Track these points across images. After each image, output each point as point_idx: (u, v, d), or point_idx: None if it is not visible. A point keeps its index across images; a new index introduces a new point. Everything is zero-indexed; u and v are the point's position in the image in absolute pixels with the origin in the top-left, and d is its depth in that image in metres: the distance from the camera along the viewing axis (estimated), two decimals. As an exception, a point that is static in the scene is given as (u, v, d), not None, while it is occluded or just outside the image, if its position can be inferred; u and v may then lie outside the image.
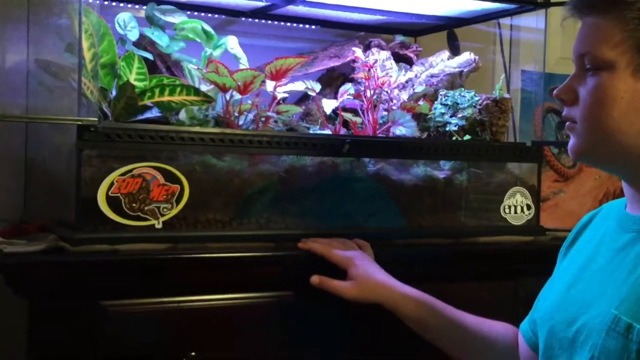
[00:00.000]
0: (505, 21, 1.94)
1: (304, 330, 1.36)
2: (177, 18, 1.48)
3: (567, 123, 0.98)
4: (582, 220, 1.14)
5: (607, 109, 0.91)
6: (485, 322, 1.29)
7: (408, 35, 1.87)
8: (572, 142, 0.97)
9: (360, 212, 1.45)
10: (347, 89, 1.57)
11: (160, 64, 1.48)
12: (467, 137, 1.57)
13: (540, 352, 1.04)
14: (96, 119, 1.22)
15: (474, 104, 1.57)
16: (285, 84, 1.48)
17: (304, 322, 1.36)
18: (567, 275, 1.06)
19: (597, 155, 0.97)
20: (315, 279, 1.28)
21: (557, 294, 1.05)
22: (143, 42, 1.47)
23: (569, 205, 2.27)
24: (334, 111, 1.56)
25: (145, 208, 1.24)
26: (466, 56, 1.71)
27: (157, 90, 1.30)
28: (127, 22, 1.43)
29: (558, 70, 2.18)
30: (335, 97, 1.59)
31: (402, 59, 1.79)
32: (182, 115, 1.39)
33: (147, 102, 1.31)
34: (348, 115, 1.56)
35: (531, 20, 1.80)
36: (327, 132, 1.54)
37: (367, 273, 1.29)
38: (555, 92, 0.99)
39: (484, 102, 1.57)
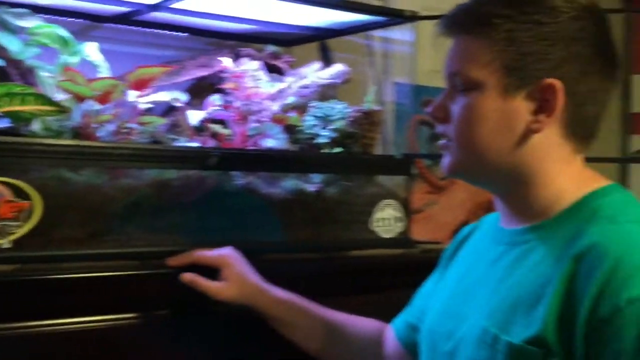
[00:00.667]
0: (378, 33, 1.96)
1: (171, 351, 1.31)
2: (31, 22, 1.40)
3: (441, 140, 0.99)
4: (464, 231, 1.17)
5: (476, 128, 0.92)
6: (356, 319, 1.31)
7: (280, 45, 1.86)
8: (445, 159, 0.99)
9: (229, 226, 1.42)
10: (215, 99, 1.53)
11: (13, 71, 1.40)
12: (338, 149, 1.57)
13: None
14: None
15: (344, 116, 1.57)
16: (149, 94, 1.43)
17: (170, 344, 1.31)
18: (448, 288, 1.09)
19: (469, 172, 0.99)
20: (186, 276, 1.24)
21: (439, 307, 1.07)
22: (-6, 47, 1.38)
23: (441, 217, 2.32)
24: (202, 123, 1.53)
25: (-9, 226, 1.16)
26: (338, 67, 1.72)
27: (6, 100, 1.22)
28: (-25, 26, 1.34)
29: (430, 83, 2.24)
30: (204, 109, 1.56)
31: (274, 70, 1.77)
32: (36, 126, 1.31)
33: (-5, 111, 1.23)
34: (216, 127, 1.52)
35: (402, 33, 1.83)
36: (195, 144, 1.50)
37: (241, 273, 1.27)
38: (428, 109, 1.00)
39: (355, 114, 1.58)
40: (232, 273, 1.26)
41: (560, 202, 0.92)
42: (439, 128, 0.99)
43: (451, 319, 1.00)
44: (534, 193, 0.94)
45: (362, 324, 1.31)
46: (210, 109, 1.51)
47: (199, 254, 1.28)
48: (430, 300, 1.16)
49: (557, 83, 0.89)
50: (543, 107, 0.90)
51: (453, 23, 0.97)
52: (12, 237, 1.17)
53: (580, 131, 0.93)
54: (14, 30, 1.40)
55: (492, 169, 0.94)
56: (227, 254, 1.29)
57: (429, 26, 1.69)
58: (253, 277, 1.28)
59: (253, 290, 1.27)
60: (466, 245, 1.11)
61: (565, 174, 0.93)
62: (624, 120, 3.04)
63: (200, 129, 1.54)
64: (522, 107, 0.91)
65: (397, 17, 1.64)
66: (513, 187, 0.96)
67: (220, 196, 1.43)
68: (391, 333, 1.26)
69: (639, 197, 0.96)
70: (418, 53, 1.81)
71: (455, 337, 0.97)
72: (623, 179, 2.84)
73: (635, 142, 3.08)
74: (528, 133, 0.91)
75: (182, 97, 1.48)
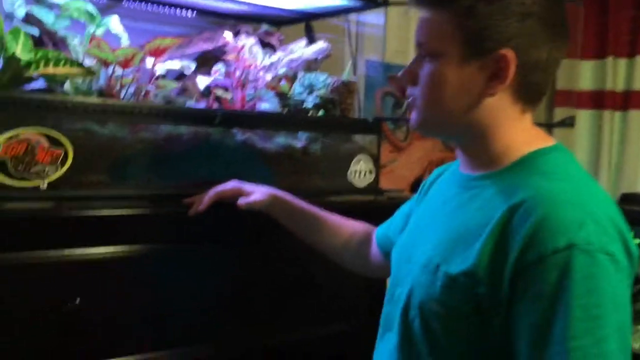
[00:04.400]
0: (353, 17, 1.92)
1: (183, 278, 1.30)
2: (62, -2, 1.35)
3: (409, 100, 0.97)
4: (437, 170, 1.14)
5: (438, 92, 0.90)
6: (350, 221, 1.34)
7: (272, 25, 1.82)
8: (412, 116, 0.96)
9: (230, 175, 1.40)
10: (219, 68, 1.49)
11: (47, 40, 1.35)
12: (321, 112, 1.54)
13: (391, 277, 1.04)
14: (-18, 88, 1.09)
15: (327, 85, 1.54)
16: (164, 62, 1.39)
17: (182, 271, 1.30)
18: (414, 220, 1.07)
19: (431, 127, 0.97)
20: (241, 202, 1.28)
21: (405, 234, 1.06)
22: (30, 20, 1.32)
23: (401, 171, 2.32)
24: (208, 88, 1.49)
25: (31, 170, 1.12)
26: (320, 45, 1.68)
27: (42, 63, 1.18)
28: (15, 0, 1.29)
29: (396, 61, 2.21)
30: (209, 76, 1.52)
31: (267, 45, 1.73)
32: (67, 86, 1.27)
33: (33, 73, 1.18)
34: (220, 92, 1.49)
35: (373, 17, 1.80)
36: (202, 106, 1.46)
37: (257, 187, 1.32)
38: (399, 73, 0.98)
39: (335, 84, 1.55)
40: (252, 188, 1.30)
41: (508, 155, 0.91)
42: (408, 90, 0.96)
43: (411, 246, 0.99)
44: (486, 146, 0.92)
45: (355, 224, 1.34)
46: (215, 76, 1.47)
47: (218, 193, 1.28)
48: (397, 221, 1.18)
49: (510, 54, 0.86)
50: (496, 74, 0.87)
51: None
52: (49, 180, 1.14)
53: (529, 95, 0.91)
54: (49, 5, 1.34)
55: (451, 125, 0.93)
56: (234, 182, 1.32)
57: (396, 12, 1.68)
58: (267, 188, 1.32)
59: (268, 195, 1.30)
60: (435, 183, 1.10)
61: (514, 131, 0.91)
62: (550, 95, 3.05)
63: (206, 93, 1.51)
64: (478, 75, 0.88)
65: (371, 2, 1.60)
66: (469, 140, 0.94)
67: (222, 150, 1.40)
68: (374, 240, 1.27)
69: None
70: (387, 35, 1.78)
71: (412, 262, 0.95)
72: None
73: (557, 113, 3.09)
74: (482, 97, 0.89)
75: (191, 65, 1.44)
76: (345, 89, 1.56)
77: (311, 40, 1.80)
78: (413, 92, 0.94)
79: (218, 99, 1.50)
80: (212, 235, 1.34)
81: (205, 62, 1.64)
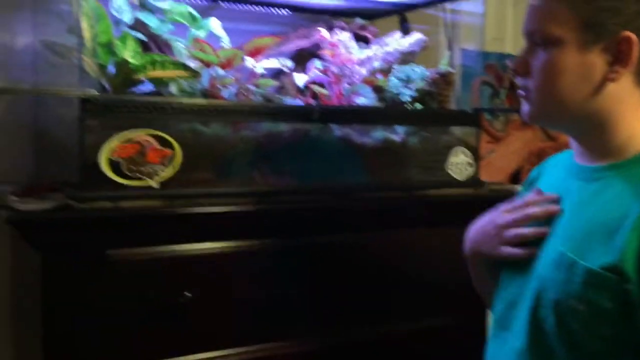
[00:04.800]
0: (448, 5, 1.87)
1: (289, 272, 1.32)
2: (166, 3, 1.39)
3: (520, 91, 0.93)
4: (541, 164, 1.08)
5: (556, 81, 0.86)
6: None
7: (365, 18, 1.80)
8: (526, 108, 0.92)
9: (330, 171, 1.40)
10: (315, 64, 1.50)
11: (152, 44, 1.39)
12: (418, 105, 1.52)
13: (503, 275, 0.98)
14: (96, 92, 1.14)
15: (424, 77, 1.51)
16: (262, 61, 1.41)
17: (287, 266, 1.32)
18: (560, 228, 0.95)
19: (548, 118, 0.92)
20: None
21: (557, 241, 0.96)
22: (136, 25, 1.38)
23: (499, 163, 2.25)
24: (305, 84, 1.50)
25: (143, 170, 1.17)
26: (416, 36, 1.65)
27: (150, 66, 1.22)
28: (122, 7, 1.34)
29: (493, 49, 2.14)
30: (305, 73, 1.53)
31: (361, 39, 1.72)
32: (173, 88, 1.31)
33: (142, 76, 1.23)
34: (317, 88, 1.49)
35: (469, 5, 1.75)
36: (299, 102, 1.47)
37: None
38: (510, 64, 0.94)
39: (433, 76, 1.52)
40: None
41: (634, 144, 0.86)
42: (519, 81, 0.92)
43: (529, 242, 0.93)
44: (609, 135, 0.87)
45: None
46: (312, 72, 1.48)
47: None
48: None
49: (632, 36, 0.81)
50: (619, 58, 0.83)
51: None
52: (159, 179, 1.18)
53: None
54: (152, 10, 1.39)
55: (570, 115, 0.88)
56: None
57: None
58: None
59: None
60: (544, 175, 1.03)
61: (637, 120, 0.86)
62: None
63: (303, 90, 1.52)
64: (599, 60, 0.84)
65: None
66: (589, 130, 0.89)
67: (320, 145, 1.41)
68: None
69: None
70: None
71: (534, 258, 0.90)
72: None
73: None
74: (604, 83, 0.84)
75: (288, 63, 1.45)
76: (442, 81, 1.53)
77: (406, 32, 1.77)
78: (526, 83, 0.91)
79: (315, 95, 1.50)
80: (313, 230, 1.35)
81: (301, 59, 1.65)
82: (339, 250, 1.38)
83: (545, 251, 0.89)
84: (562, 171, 0.97)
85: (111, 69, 1.25)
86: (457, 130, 1.56)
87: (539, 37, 0.87)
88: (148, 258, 1.19)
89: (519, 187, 1.17)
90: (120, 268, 1.17)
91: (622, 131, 0.86)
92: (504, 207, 0.98)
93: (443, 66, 1.55)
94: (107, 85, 1.22)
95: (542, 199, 0.94)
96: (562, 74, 0.85)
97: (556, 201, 0.92)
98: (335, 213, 1.37)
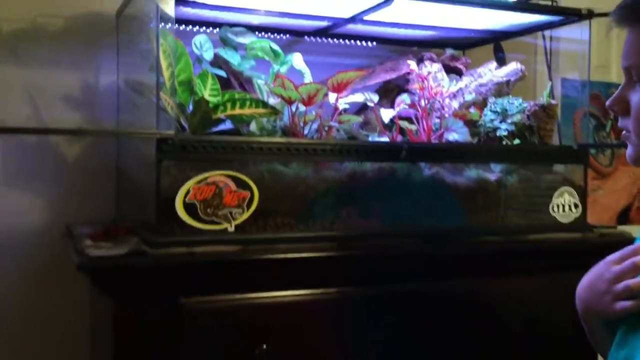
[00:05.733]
0: (548, 33, 1.73)
1: (368, 323, 1.20)
2: (248, 39, 1.34)
3: (623, 132, 0.80)
4: None
5: None
6: None
7: (457, 48, 1.69)
8: (629, 150, 0.80)
9: (419, 213, 1.28)
10: (403, 99, 1.39)
11: (234, 81, 1.34)
12: (516, 141, 1.37)
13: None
14: (173, 132, 1.09)
15: (522, 110, 1.37)
16: (346, 96, 1.32)
17: (367, 317, 1.20)
18: None
19: None
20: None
21: None
22: (218, 61, 1.33)
23: (606, 201, 2.04)
24: (391, 120, 1.39)
25: (219, 213, 1.10)
26: (513, 66, 1.52)
27: (229, 105, 1.16)
28: (203, 44, 1.30)
29: (596, 77, 1.96)
30: (392, 107, 1.42)
31: (452, 71, 1.60)
32: (253, 126, 1.25)
33: (220, 115, 1.17)
34: (404, 123, 1.38)
35: (570, 32, 1.59)
36: (385, 139, 1.37)
37: None
38: (607, 103, 0.81)
39: (533, 108, 1.37)
40: None
41: None
42: (620, 121, 0.80)
43: None
44: None
45: None
46: (400, 107, 1.37)
47: None
48: None
49: None
50: None
51: (625, 13, 0.77)
52: (236, 222, 1.11)
53: None
54: (234, 47, 1.34)
55: None
56: None
57: (596, 24, 1.47)
58: None
59: None
60: None
61: None
62: None
63: (389, 126, 1.41)
64: None
65: (574, 16, 1.40)
66: None
67: (409, 186, 1.29)
68: None
69: None
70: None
71: None
72: None
73: None
74: None
75: (374, 97, 1.35)
76: (544, 113, 1.38)
77: (500, 62, 1.64)
78: (626, 123, 0.77)
79: (402, 131, 1.39)
80: (401, 277, 1.23)
81: (387, 93, 1.55)
82: (430, 300, 1.25)
83: None
84: None
85: (191, 107, 1.20)
86: (560, 168, 1.41)
87: (635, 73, 0.76)
88: (223, 306, 1.11)
89: (634, 231, 1.01)
90: (193, 317, 1.09)
91: None
92: (612, 257, 0.85)
93: (545, 97, 1.40)
94: (186, 125, 1.16)
95: None
96: None
97: None
98: (426, 259, 1.25)
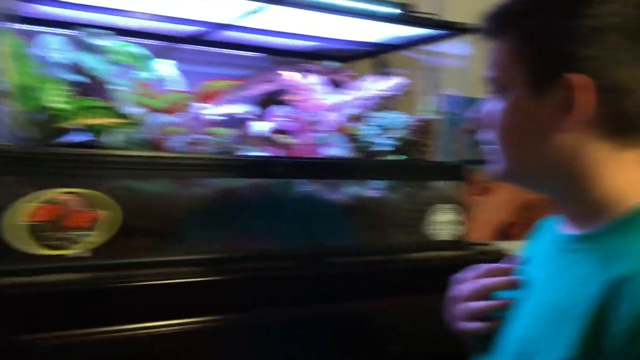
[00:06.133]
0: (430, 47, 1.71)
1: (243, 353, 1.10)
2: (109, 41, 1.21)
3: (486, 146, 0.76)
4: (534, 227, 0.91)
5: (509, 131, 0.72)
6: None
7: (341, 61, 1.64)
8: (492, 165, 0.76)
9: (294, 232, 1.20)
10: (281, 111, 1.31)
11: (93, 86, 1.21)
12: (399, 156, 1.33)
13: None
14: (11, 144, 0.94)
15: (407, 125, 1.33)
16: (220, 107, 1.22)
17: (240, 346, 1.10)
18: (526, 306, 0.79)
19: (513, 176, 0.75)
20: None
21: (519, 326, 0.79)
22: (75, 65, 1.19)
23: (484, 217, 2.06)
24: (269, 133, 1.31)
25: (66, 236, 0.96)
26: (396, 80, 1.48)
27: (80, 113, 1.03)
28: (56, 46, 1.16)
29: (478, 94, 1.98)
30: (267, 120, 1.34)
31: (335, 84, 1.55)
32: (116, 137, 1.12)
33: (70, 125, 1.03)
34: (282, 137, 1.30)
35: (455, 47, 1.59)
36: (261, 153, 1.28)
37: None
38: (470, 114, 0.80)
39: (416, 123, 1.34)
40: None
41: (608, 209, 0.68)
42: (479, 134, 0.77)
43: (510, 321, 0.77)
44: (580, 197, 0.70)
45: None
46: (278, 120, 1.29)
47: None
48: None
49: (581, 78, 0.65)
50: (568, 105, 0.67)
51: (488, 26, 0.75)
52: (87, 246, 0.97)
53: (626, 128, 0.68)
54: (93, 50, 1.21)
55: (533, 171, 0.73)
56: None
57: (476, 39, 1.47)
58: None
59: None
60: (535, 241, 0.86)
61: (613, 177, 0.68)
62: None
63: (267, 139, 1.32)
64: (547, 107, 0.68)
65: (456, 30, 1.39)
66: (561, 190, 0.73)
67: (285, 204, 1.21)
68: None
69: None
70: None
71: (501, 347, 0.75)
72: None
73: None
74: (558, 134, 0.68)
75: (249, 109, 1.26)
76: (425, 129, 1.35)
77: (383, 76, 1.60)
78: (490, 137, 0.74)
79: (281, 145, 1.31)
80: (275, 301, 1.15)
81: (268, 104, 1.47)
82: (308, 323, 1.17)
83: (510, 331, 0.74)
84: (548, 238, 0.80)
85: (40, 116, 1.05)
86: (439, 185, 1.38)
87: (491, 84, 0.73)
88: (70, 341, 0.97)
89: (514, 247, 0.98)
90: (39, 353, 0.95)
91: (594, 193, 0.69)
92: (471, 273, 0.84)
93: (427, 112, 1.37)
94: (34, 135, 1.02)
95: (507, 268, 0.81)
96: (513, 123, 0.71)
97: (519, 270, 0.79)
98: (303, 281, 1.17)
